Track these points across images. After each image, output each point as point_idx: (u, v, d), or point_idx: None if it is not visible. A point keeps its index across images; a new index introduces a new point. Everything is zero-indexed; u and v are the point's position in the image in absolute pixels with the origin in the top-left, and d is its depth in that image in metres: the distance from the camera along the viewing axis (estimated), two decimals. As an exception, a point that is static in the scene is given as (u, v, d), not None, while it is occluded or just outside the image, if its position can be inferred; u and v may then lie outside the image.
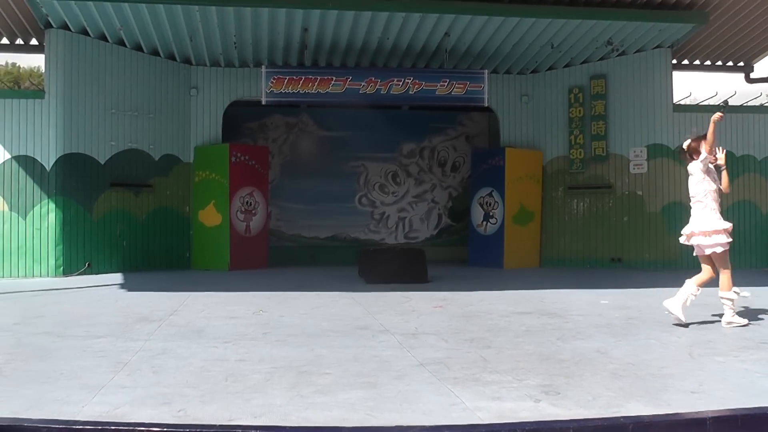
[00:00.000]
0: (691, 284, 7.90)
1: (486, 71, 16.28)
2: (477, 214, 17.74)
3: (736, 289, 7.87)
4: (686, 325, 7.76)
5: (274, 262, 17.18)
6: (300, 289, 11.73)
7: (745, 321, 7.87)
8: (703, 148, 7.93)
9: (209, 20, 14.44)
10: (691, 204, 8.22)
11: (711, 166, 7.97)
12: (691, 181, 8.17)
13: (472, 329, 7.50)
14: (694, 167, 8.07)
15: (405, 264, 13.16)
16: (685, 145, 8.37)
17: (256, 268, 16.17)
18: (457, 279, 13.76)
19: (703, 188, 8.01)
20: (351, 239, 19.46)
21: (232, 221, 16.18)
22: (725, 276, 7.85)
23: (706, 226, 7.94)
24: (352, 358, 5.98)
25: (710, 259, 7.96)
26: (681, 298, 7.83)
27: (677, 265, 16.25)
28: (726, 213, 15.62)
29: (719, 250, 7.85)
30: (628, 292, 11.50)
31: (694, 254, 8.25)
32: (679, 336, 7.20)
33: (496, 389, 4.92)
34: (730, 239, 7.90)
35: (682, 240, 8.33)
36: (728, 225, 7.90)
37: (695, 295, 7.87)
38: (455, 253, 19.27)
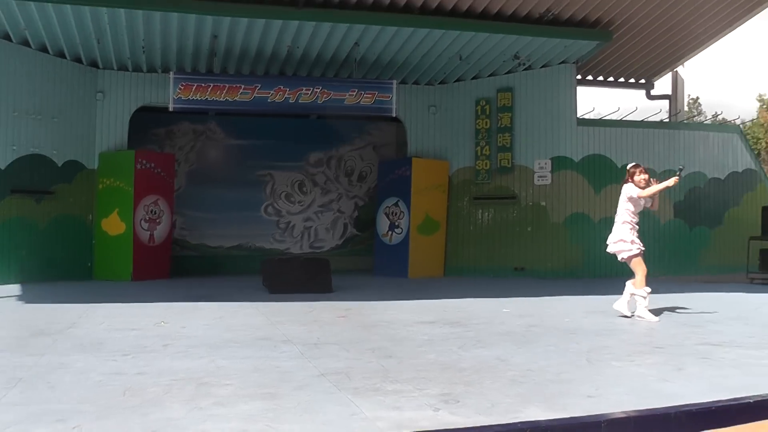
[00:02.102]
0: (629, 285, 9.53)
1: (394, 81, 16.43)
2: (383, 223, 17.85)
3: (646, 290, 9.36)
4: (630, 316, 9.34)
5: (177, 271, 16.93)
6: (203, 299, 11.62)
7: (656, 319, 9.10)
8: (636, 178, 9.58)
9: (117, 23, 14.15)
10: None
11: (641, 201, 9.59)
12: (620, 198, 9.71)
13: (374, 339, 7.56)
14: (625, 190, 9.62)
15: (309, 274, 13.15)
16: (628, 166, 9.91)
17: (159, 278, 15.91)
18: (361, 289, 13.82)
19: (624, 207, 9.60)
20: (256, 248, 19.31)
21: (136, 230, 15.87)
22: (638, 276, 9.42)
23: (613, 238, 9.71)
24: (253, 368, 5.97)
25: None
26: (625, 298, 9.52)
27: (580, 273, 16.68)
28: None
29: (624, 256, 9.61)
30: (531, 301, 11.74)
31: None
32: (578, 342, 7.39)
33: (396, 399, 4.97)
34: (636, 250, 9.50)
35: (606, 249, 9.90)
36: (630, 238, 9.50)
37: (647, 297, 9.37)
38: (361, 263, 19.31)
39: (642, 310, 9.34)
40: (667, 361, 6.42)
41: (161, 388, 5.21)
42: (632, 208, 9.58)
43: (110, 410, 4.64)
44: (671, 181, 9.50)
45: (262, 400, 4.91)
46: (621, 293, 9.60)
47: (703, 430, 4.58)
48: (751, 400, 4.84)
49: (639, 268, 9.52)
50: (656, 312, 9.63)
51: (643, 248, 9.63)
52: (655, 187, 9.47)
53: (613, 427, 4.45)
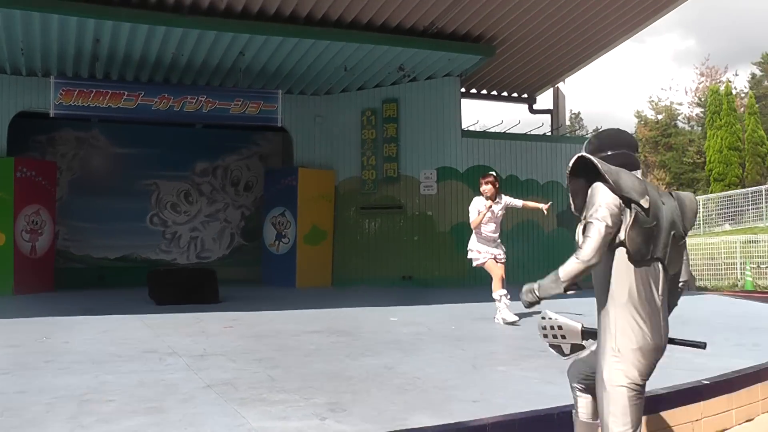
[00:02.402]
0: (493, 293, 9.82)
1: (280, 91, 16.45)
2: (269, 233, 17.80)
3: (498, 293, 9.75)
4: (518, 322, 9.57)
5: (61, 284, 16.48)
6: (88, 312, 11.35)
7: (515, 318, 9.59)
8: (481, 189, 10.00)
9: (-6, 25, 13.72)
10: None
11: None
12: None
13: (261, 349, 7.54)
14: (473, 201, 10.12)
15: (196, 284, 13.02)
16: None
17: (42, 291, 15.46)
18: (248, 299, 13.75)
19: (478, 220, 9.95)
20: (142, 260, 18.99)
21: (17, 241, 15.36)
22: (494, 281, 9.81)
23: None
24: (138, 383, 5.88)
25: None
26: (498, 308, 9.76)
27: (467, 282, 16.96)
28: (512, 232, 16.74)
29: (474, 264, 10.14)
30: (418, 309, 11.87)
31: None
32: (464, 349, 7.52)
33: (282, 408, 4.97)
34: (483, 258, 9.96)
35: None
36: (476, 248, 10.05)
37: (502, 298, 9.72)
38: (248, 273, 19.20)
39: (500, 312, 9.72)
40: (550, 364, 6.58)
41: (42, 407, 5.07)
42: (485, 220, 9.95)
43: (-12, 431, 4.51)
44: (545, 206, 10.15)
45: (147, 414, 4.84)
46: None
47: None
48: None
49: (491, 273, 9.93)
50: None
51: (490, 255, 9.98)
52: (476, 219, 9.89)
53: (497, 429, 4.57)
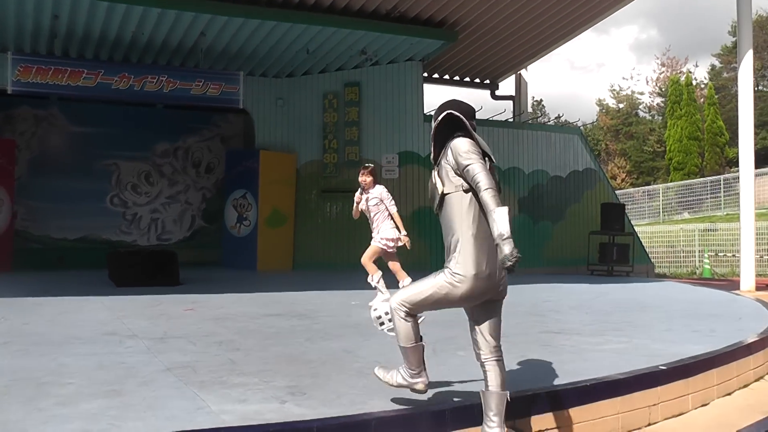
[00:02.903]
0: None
1: (241, 73, 16.35)
2: (231, 216, 17.72)
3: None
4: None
5: (19, 264, 16.33)
6: (46, 294, 11.24)
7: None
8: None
9: (-52, -1, 13.43)
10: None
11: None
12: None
13: (221, 332, 7.51)
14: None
15: (156, 266, 12.95)
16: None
17: (-1, 271, 15.29)
18: (209, 281, 13.69)
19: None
20: (102, 241, 18.79)
21: (-27, 221, 15.18)
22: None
23: None
24: (97, 365, 5.83)
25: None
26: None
27: (426, 267, 16.91)
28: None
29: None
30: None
31: None
32: (425, 333, 7.51)
33: (242, 392, 4.96)
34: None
35: None
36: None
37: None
38: (209, 255, 19.10)
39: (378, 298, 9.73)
40: (510, 349, 6.59)
41: (-1, 389, 5.02)
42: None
43: (-57, 413, 4.44)
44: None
45: (106, 397, 4.80)
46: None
47: (542, 413, 4.81)
48: (588, 383, 5.11)
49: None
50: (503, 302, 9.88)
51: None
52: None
53: (456, 414, 4.59)
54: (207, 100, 16.17)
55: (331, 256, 17.70)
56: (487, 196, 3.93)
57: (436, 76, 20.86)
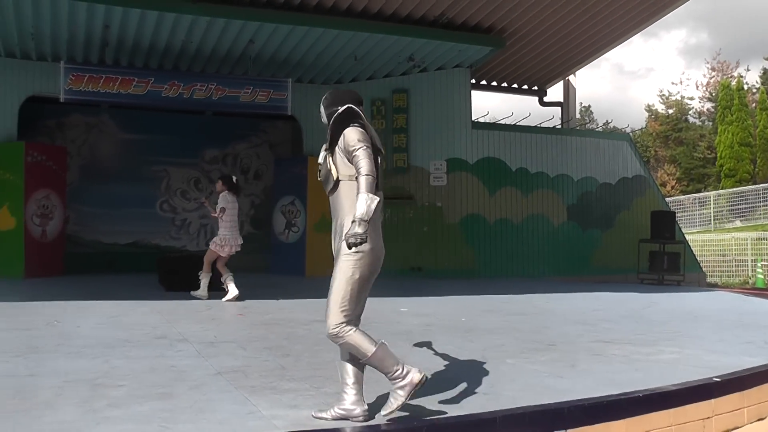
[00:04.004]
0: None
1: (290, 80, 16.40)
2: (279, 222, 17.79)
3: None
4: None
5: (71, 269, 16.49)
6: (98, 297, 11.38)
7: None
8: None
9: (4, 8, 13.62)
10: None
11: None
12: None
13: (271, 337, 7.54)
14: None
15: (206, 272, 12.99)
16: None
17: (52, 276, 15.46)
18: (258, 287, 13.71)
19: None
20: (152, 246, 18.91)
21: (27, 225, 15.37)
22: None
23: None
24: (149, 368, 5.88)
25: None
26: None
27: (474, 274, 16.96)
28: (521, 226, 16.77)
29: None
30: (427, 300, 11.86)
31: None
32: (473, 341, 7.51)
33: (293, 397, 4.98)
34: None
35: None
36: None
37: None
38: (257, 261, 19.07)
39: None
40: (560, 358, 6.59)
41: (54, 390, 5.08)
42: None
43: (0, 414, 4.50)
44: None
45: (157, 400, 4.84)
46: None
47: (595, 423, 4.74)
48: (640, 394, 5.03)
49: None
50: (552, 311, 9.82)
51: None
52: None
53: (507, 422, 4.55)
54: (255, 107, 16.26)
55: (378, 262, 17.64)
56: (363, 180, 4.32)
57: (483, 82, 20.76)
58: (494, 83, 20.96)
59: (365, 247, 4.39)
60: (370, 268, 4.54)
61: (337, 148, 4.57)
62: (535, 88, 21.49)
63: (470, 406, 4.77)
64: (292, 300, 11.55)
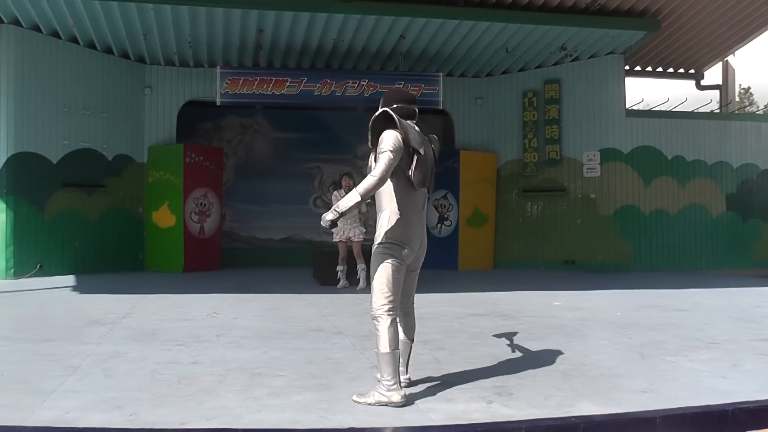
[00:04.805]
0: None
1: (441, 74, 16.35)
2: (431, 216, 17.78)
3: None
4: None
5: (228, 263, 17.08)
6: (254, 291, 11.68)
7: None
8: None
9: (163, 18, 14.28)
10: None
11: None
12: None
13: (425, 331, 7.51)
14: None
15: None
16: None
17: (210, 270, 16.08)
18: (411, 281, 13.76)
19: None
20: (305, 241, 19.28)
21: (186, 222, 16.03)
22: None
23: None
24: (306, 360, 5.97)
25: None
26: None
27: (630, 267, 16.50)
28: (677, 216, 16.22)
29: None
30: (581, 294, 11.60)
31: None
32: (630, 336, 7.29)
33: (449, 391, 4.95)
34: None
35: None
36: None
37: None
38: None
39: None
40: (722, 357, 6.29)
41: (215, 378, 5.23)
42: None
43: (165, 398, 4.67)
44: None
45: (315, 391, 4.91)
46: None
47: (763, 428, 4.49)
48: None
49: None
50: (713, 306, 9.43)
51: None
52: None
53: (668, 423, 4.37)
54: (407, 102, 16.29)
55: (531, 255, 17.47)
56: (365, 180, 4.73)
57: (638, 68, 20.13)
58: (648, 68, 20.27)
59: (395, 239, 4.85)
60: (399, 260, 4.84)
61: (378, 148, 4.84)
62: (692, 71, 20.64)
63: (628, 404, 4.62)
64: (445, 294, 11.49)
